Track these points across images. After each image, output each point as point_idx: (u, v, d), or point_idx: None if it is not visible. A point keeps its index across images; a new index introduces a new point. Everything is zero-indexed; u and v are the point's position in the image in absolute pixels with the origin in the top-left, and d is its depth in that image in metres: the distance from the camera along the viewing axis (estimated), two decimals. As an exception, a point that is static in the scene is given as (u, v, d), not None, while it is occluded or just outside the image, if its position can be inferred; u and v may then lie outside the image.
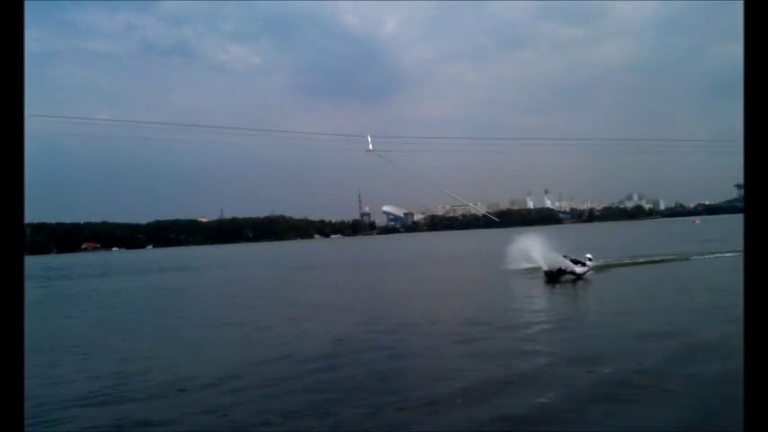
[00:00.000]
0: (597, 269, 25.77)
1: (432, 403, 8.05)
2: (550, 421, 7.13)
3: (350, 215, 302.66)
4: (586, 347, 11.21)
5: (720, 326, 12.24)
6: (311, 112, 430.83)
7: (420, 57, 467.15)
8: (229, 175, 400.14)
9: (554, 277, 23.44)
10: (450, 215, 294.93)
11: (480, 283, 26.29)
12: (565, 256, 24.18)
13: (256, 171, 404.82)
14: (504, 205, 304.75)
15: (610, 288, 21.90)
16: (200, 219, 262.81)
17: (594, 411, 7.38)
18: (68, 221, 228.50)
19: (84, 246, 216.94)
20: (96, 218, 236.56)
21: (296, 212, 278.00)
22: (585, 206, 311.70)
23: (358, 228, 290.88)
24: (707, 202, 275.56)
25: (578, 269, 23.43)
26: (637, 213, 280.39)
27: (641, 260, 30.64)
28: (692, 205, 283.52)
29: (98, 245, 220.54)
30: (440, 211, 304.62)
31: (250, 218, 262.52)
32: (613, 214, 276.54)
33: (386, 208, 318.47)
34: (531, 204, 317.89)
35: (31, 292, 34.41)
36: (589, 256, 24.60)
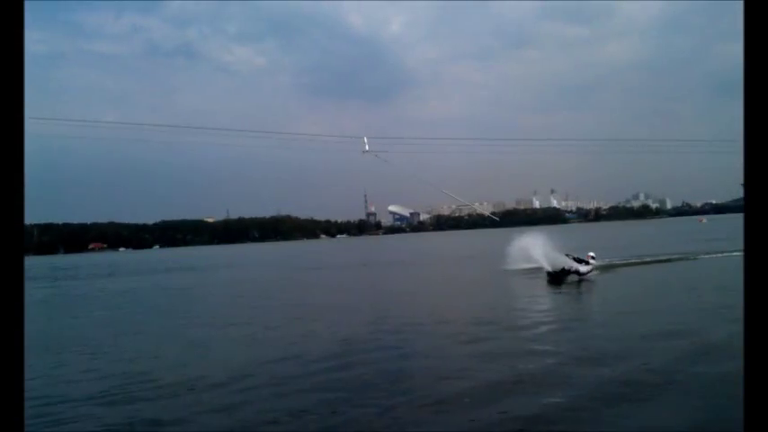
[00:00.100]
0: (603, 269, 25.53)
1: (439, 402, 8.06)
2: (561, 421, 7.10)
3: (356, 215, 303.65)
4: (592, 347, 11.17)
5: (728, 325, 12.14)
6: (316, 113, 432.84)
7: (425, 57, 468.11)
8: (235, 176, 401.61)
9: (558, 278, 22.63)
10: (457, 215, 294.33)
11: (485, 284, 26.19)
12: (567, 255, 23.54)
13: (262, 171, 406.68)
14: (510, 205, 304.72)
15: (616, 288, 21.76)
16: (206, 219, 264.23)
17: (604, 411, 7.35)
18: (75, 222, 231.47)
19: (91, 246, 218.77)
20: (103, 218, 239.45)
21: (302, 212, 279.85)
22: (592, 205, 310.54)
23: (364, 228, 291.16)
24: (714, 201, 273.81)
25: (582, 268, 22.75)
26: (643, 213, 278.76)
27: (648, 259, 30.38)
28: (698, 204, 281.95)
29: (105, 245, 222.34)
30: (446, 210, 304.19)
31: (256, 218, 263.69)
32: (620, 213, 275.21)
33: (391, 208, 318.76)
34: (537, 204, 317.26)
35: (39, 292, 34.75)
36: (592, 254, 23.98)
